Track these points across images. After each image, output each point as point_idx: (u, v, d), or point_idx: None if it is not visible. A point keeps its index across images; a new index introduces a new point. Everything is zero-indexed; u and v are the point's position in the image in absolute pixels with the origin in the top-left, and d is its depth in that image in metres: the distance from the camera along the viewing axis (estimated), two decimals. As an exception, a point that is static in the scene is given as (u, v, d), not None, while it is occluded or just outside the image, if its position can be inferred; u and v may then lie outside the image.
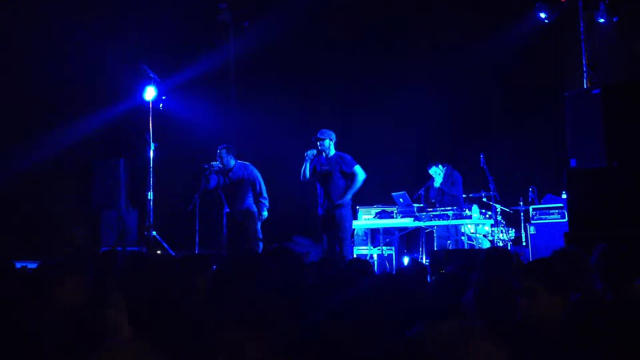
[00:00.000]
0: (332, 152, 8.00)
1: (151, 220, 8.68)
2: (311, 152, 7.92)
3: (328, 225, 7.86)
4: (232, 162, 8.52)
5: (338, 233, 7.79)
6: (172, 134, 9.91)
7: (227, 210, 8.54)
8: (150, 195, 8.78)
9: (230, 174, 8.50)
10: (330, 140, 7.99)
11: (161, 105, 9.03)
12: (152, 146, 8.83)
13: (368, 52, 11.40)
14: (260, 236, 8.51)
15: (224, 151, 8.54)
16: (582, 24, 7.76)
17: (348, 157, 7.94)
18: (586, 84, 7.31)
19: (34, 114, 9.22)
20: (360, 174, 7.86)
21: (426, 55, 10.96)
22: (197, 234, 8.99)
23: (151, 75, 8.97)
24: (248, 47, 11.50)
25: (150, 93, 8.91)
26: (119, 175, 9.35)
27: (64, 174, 9.56)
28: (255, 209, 8.47)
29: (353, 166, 7.87)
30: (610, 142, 5.88)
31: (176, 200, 9.92)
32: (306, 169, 7.91)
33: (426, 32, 10.94)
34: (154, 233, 8.76)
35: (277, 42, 11.24)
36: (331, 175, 7.86)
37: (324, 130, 8.06)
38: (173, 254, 8.59)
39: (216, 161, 8.50)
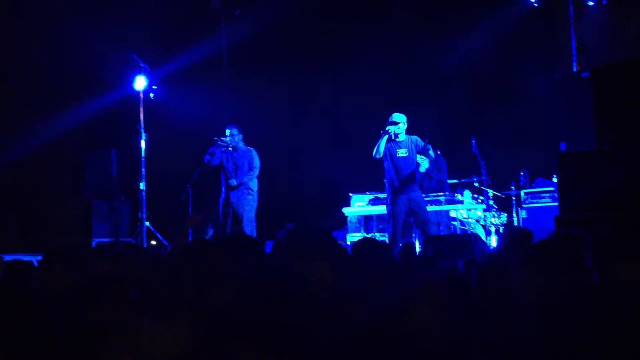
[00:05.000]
0: (404, 136, 7.92)
1: (144, 211, 8.68)
2: (393, 129, 7.80)
3: (407, 209, 7.78)
4: (241, 143, 8.55)
5: (423, 215, 7.78)
6: (164, 124, 9.87)
7: (224, 195, 8.49)
8: (142, 185, 8.78)
9: (235, 154, 8.49)
10: (404, 124, 7.92)
11: (152, 94, 9.01)
12: (144, 136, 8.82)
13: (360, 38, 11.36)
14: (255, 223, 8.50)
15: (235, 130, 8.57)
16: (571, 8, 7.75)
17: (419, 139, 7.90)
18: (576, 67, 7.30)
19: (24, 104, 9.16)
20: (425, 161, 7.82)
21: (417, 39, 10.93)
22: (190, 224, 8.98)
23: (141, 64, 8.94)
24: (240, 35, 11.43)
25: (140, 83, 8.89)
26: (111, 166, 9.34)
27: (55, 164, 9.52)
28: (252, 195, 8.46)
29: (428, 150, 7.83)
30: (600, 124, 5.87)
31: (169, 190, 9.91)
32: (381, 145, 7.79)
33: (417, 16, 10.91)
34: (147, 223, 8.77)
35: (269, 30, 11.18)
36: (409, 158, 7.81)
37: (397, 113, 7.97)
38: (167, 244, 8.59)
39: (226, 137, 8.50)
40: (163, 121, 9.82)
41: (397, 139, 7.85)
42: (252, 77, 11.38)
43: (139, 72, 8.91)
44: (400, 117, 7.91)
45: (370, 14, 11.25)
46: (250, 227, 8.33)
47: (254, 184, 8.50)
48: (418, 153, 7.80)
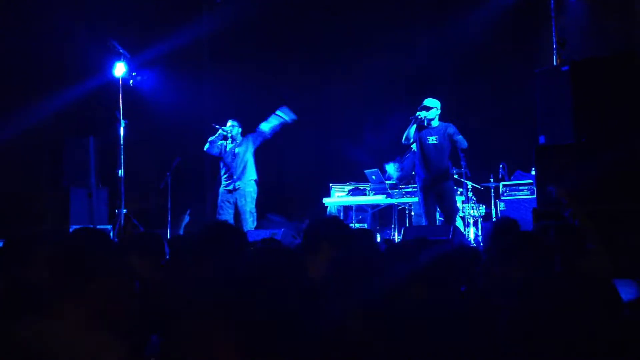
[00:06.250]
0: (437, 122, 7.73)
1: (122, 199, 8.60)
2: (423, 114, 7.60)
3: (435, 198, 7.67)
4: (239, 138, 8.62)
5: (449, 205, 7.68)
6: (143, 111, 9.78)
7: (226, 182, 8.47)
8: (121, 172, 8.71)
9: (235, 147, 8.51)
10: (437, 109, 7.72)
11: (131, 81, 8.93)
12: (123, 123, 8.74)
13: (343, 26, 11.33)
14: (255, 214, 8.50)
15: (236, 122, 8.68)
16: (552, 1, 7.78)
17: (453, 126, 7.71)
18: (556, 61, 7.34)
19: (0, 91, 9.02)
20: (464, 142, 7.63)
21: (399, 31, 10.93)
22: (168, 212, 8.96)
23: (121, 51, 8.84)
24: (221, 23, 11.35)
25: (120, 69, 8.80)
26: (89, 153, 9.23)
27: (33, 151, 9.40)
28: (253, 187, 8.45)
29: (459, 134, 7.63)
30: (579, 118, 5.92)
31: (148, 177, 9.84)
32: (410, 131, 7.64)
33: (399, 7, 10.90)
34: (125, 211, 8.70)
35: (250, 17, 11.12)
36: (440, 145, 7.65)
37: (430, 98, 7.76)
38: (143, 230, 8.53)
39: (227, 126, 8.58)
40: (142, 108, 9.73)
41: (429, 126, 7.69)
42: (233, 66, 11.31)
43: (119, 59, 8.82)
44: (433, 102, 7.71)
45: (355, 5, 11.22)
46: (252, 219, 8.36)
47: (254, 175, 8.50)
48: (452, 141, 7.61)
